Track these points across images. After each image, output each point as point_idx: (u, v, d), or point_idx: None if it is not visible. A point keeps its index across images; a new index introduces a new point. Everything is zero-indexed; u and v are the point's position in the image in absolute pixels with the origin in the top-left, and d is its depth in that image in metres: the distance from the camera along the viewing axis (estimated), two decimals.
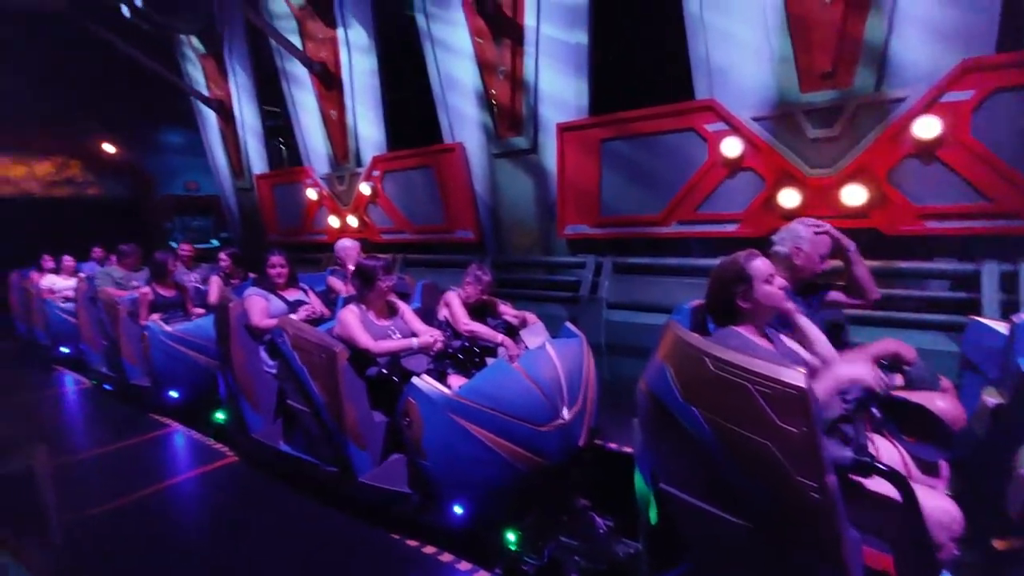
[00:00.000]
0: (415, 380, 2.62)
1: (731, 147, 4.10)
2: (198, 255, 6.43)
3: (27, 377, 6.61)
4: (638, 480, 1.98)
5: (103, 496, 3.38)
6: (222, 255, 5.39)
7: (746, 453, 1.41)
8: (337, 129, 7.15)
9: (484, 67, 5.36)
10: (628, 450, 3.35)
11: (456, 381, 2.97)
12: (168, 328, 4.65)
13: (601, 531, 2.82)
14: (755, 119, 4.01)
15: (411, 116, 6.67)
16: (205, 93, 9.10)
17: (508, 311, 3.69)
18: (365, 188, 6.77)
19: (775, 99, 3.94)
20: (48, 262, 7.61)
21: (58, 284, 7.19)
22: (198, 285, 5.45)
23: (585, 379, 2.95)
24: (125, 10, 7.59)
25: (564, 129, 4.90)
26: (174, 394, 4.66)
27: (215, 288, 5.11)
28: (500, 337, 3.35)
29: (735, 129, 4.08)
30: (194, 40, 8.82)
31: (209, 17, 8.15)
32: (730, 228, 4.26)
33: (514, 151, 5.38)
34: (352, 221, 7.17)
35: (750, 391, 1.37)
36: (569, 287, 5.05)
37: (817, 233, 2.33)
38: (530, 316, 3.65)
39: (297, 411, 3.26)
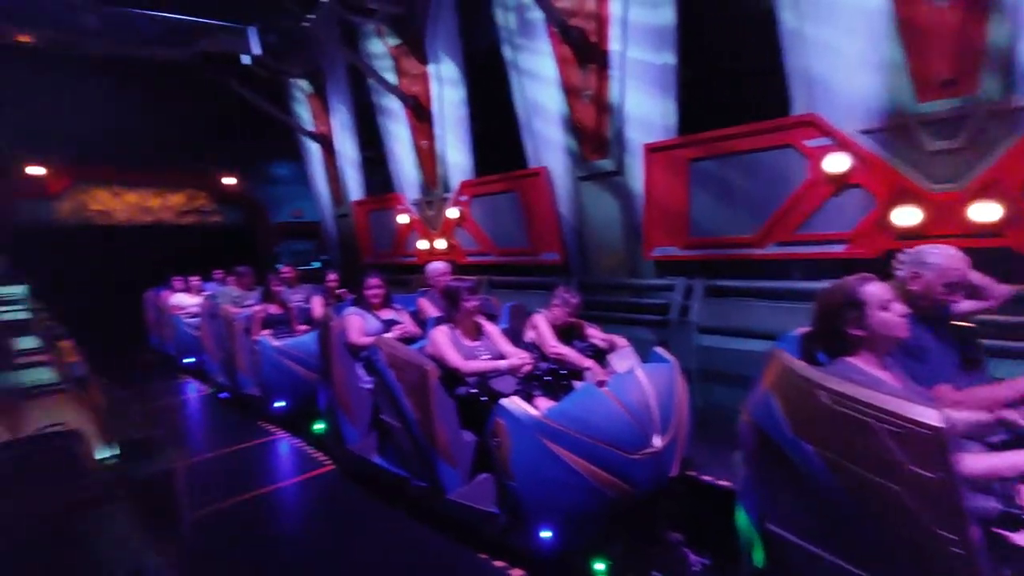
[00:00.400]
0: (504, 401, 2.65)
1: (836, 163, 3.84)
2: (300, 276, 6.96)
3: (158, 384, 7.40)
4: (741, 518, 1.87)
5: (216, 495, 3.69)
6: (330, 276, 5.81)
7: (870, 498, 1.29)
8: (427, 157, 7.52)
9: (569, 92, 5.43)
10: (724, 483, 3.17)
11: (543, 403, 2.97)
12: (276, 343, 5.04)
13: (695, 568, 2.67)
14: (863, 132, 3.74)
15: (497, 143, 6.88)
16: (310, 129, 9.94)
17: (596, 334, 3.65)
18: (453, 212, 7.03)
19: (886, 110, 3.65)
20: (178, 282, 8.53)
21: (185, 301, 8.03)
22: (301, 304, 5.87)
23: (677, 406, 2.84)
24: (246, 59, 8.52)
25: (651, 150, 4.83)
26: (280, 404, 5.02)
27: (318, 306, 5.49)
28: (587, 361, 3.32)
29: (840, 144, 3.83)
30: (302, 82, 9.69)
31: (316, 61, 8.93)
32: (836, 249, 3.97)
33: (599, 173, 5.37)
34: (440, 244, 7.45)
35: (875, 429, 1.26)
36: (657, 310, 4.91)
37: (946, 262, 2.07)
38: (619, 340, 3.58)
39: (390, 426, 3.40)
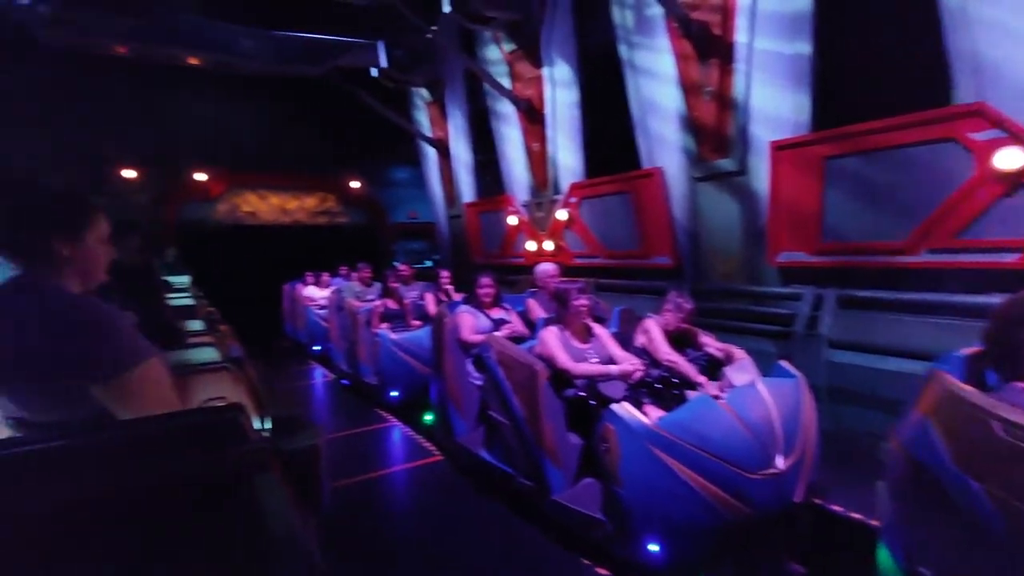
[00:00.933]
0: (615, 407, 2.60)
1: (1010, 159, 3.31)
2: (414, 274, 7.36)
3: (291, 368, 8.21)
4: (883, 557, 1.66)
5: (337, 473, 4.00)
6: (443, 274, 6.10)
7: None
8: (538, 160, 7.60)
9: (688, 89, 5.21)
10: (857, 516, 2.85)
11: (653, 412, 2.87)
12: (393, 336, 5.36)
13: None
14: None
15: (609, 144, 6.78)
16: (428, 134, 10.48)
17: (711, 343, 3.45)
18: (562, 214, 7.04)
19: None
20: (310, 277, 9.41)
21: (315, 294, 8.83)
22: (416, 300, 6.20)
23: (804, 426, 2.60)
24: (373, 71, 9.18)
25: (779, 148, 4.49)
26: (395, 393, 5.33)
27: (431, 303, 5.76)
28: (700, 376, 3.15)
29: (1015, 136, 3.29)
30: (423, 91, 10.24)
31: (436, 70, 9.40)
32: (1008, 258, 3.42)
33: (719, 174, 5.09)
34: (548, 245, 7.50)
35: None
36: (780, 320, 4.55)
37: None
38: (737, 351, 3.37)
39: (498, 422, 3.48)
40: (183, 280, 6.50)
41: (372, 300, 6.30)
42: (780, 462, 2.41)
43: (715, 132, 5.02)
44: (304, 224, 12.61)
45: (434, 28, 7.78)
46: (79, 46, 7.13)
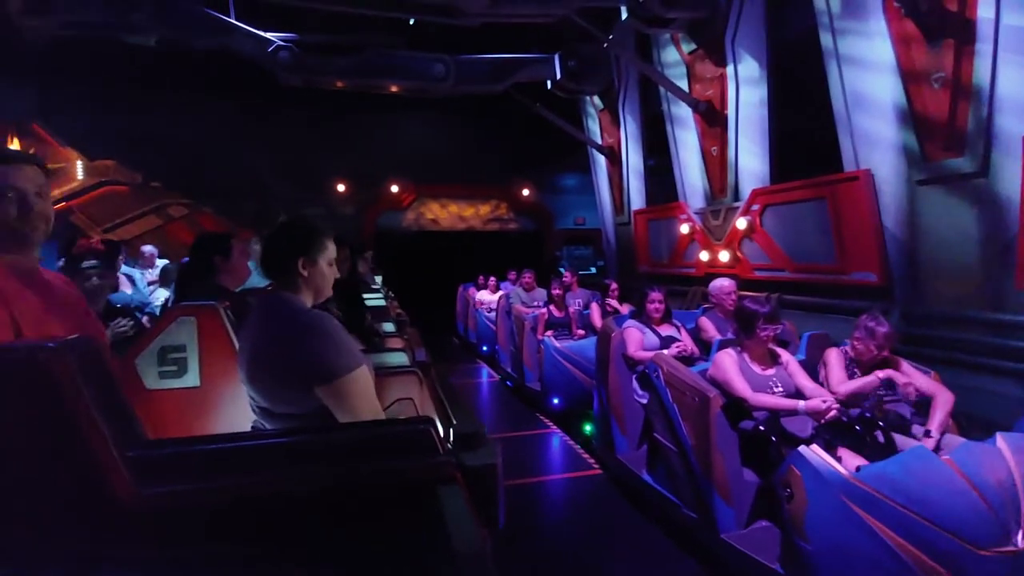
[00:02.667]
0: (803, 449, 2.30)
1: None
2: (579, 281, 7.39)
3: (460, 366, 8.83)
4: None
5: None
6: (612, 285, 6.06)
7: None
8: (716, 164, 7.12)
9: (910, 78, 4.42)
10: None
11: (850, 459, 2.47)
12: (558, 344, 5.45)
13: None
14: None
15: (802, 145, 6.08)
16: (599, 142, 10.47)
17: (915, 375, 2.88)
18: (741, 222, 6.50)
19: None
20: (482, 280, 10.03)
21: (486, 298, 9.38)
22: (580, 308, 6.23)
23: None
24: (548, 83, 9.47)
25: None
26: (556, 401, 5.42)
27: (596, 315, 5.73)
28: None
29: None
30: (595, 99, 10.27)
31: (609, 78, 9.36)
32: None
33: (950, 175, 4.23)
34: (723, 256, 6.98)
35: None
36: None
37: None
38: (942, 391, 2.77)
39: (663, 445, 3.32)
40: (376, 280, 7.38)
41: (538, 306, 6.48)
42: (1020, 540, 1.93)
43: (947, 127, 4.18)
44: (477, 230, 13.52)
45: (610, 37, 7.75)
46: (308, 84, 8.55)
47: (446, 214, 13.52)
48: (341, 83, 8.71)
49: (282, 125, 11.73)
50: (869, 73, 4.76)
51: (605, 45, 7.92)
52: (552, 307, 5.96)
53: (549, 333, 5.65)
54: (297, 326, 1.46)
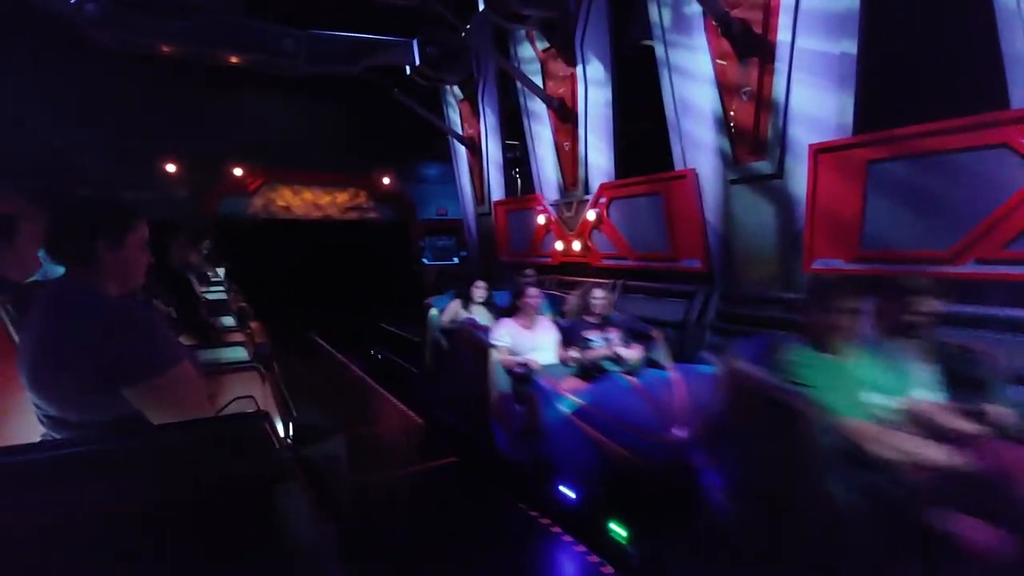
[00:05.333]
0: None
1: None
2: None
3: (323, 361, 8.30)
4: None
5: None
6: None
7: None
8: (569, 159, 7.53)
9: (725, 90, 5.08)
10: None
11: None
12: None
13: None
14: None
15: (641, 145, 6.67)
16: (460, 132, 10.50)
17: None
18: (591, 214, 6.97)
19: None
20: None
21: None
22: None
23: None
24: (407, 69, 9.25)
25: (819, 151, 4.34)
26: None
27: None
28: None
29: None
30: (456, 89, 10.26)
31: (469, 68, 9.40)
32: None
33: (755, 176, 4.95)
34: (576, 246, 7.44)
35: None
36: None
37: None
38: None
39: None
40: (218, 272, 6.66)
41: None
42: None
43: (752, 134, 4.88)
44: (335, 219, 12.81)
45: (468, 26, 7.77)
46: (125, 46, 7.37)
47: (300, 201, 12.59)
48: (168, 48, 7.65)
49: (97, 94, 9.93)
50: (693, 83, 5.37)
51: (463, 35, 7.94)
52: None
53: None
54: (99, 318, 1.24)
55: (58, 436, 1.23)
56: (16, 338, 1.51)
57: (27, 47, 8.74)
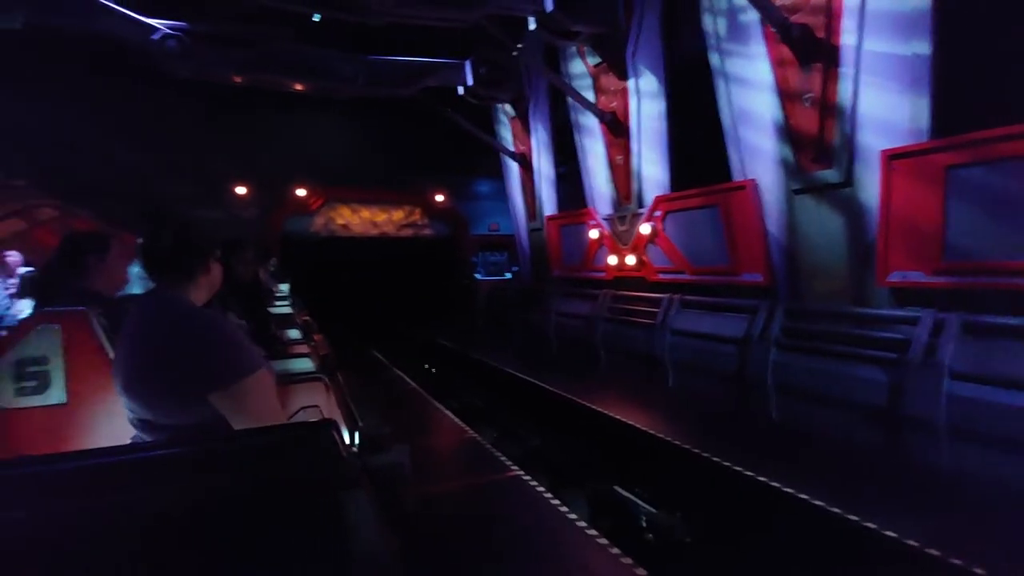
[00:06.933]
0: None
1: None
2: None
3: (380, 375, 8.50)
4: None
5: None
6: None
7: None
8: (621, 173, 7.47)
9: (786, 97, 4.91)
10: None
11: None
12: None
13: None
14: None
15: (697, 156, 6.53)
16: (511, 149, 10.64)
17: None
18: (645, 228, 6.86)
19: None
20: None
21: None
22: None
23: None
24: (460, 89, 9.48)
25: (892, 157, 4.10)
26: None
27: None
28: None
29: None
30: (507, 107, 10.43)
31: (520, 86, 9.54)
32: None
33: (820, 186, 4.73)
34: (630, 260, 7.32)
35: None
36: (891, 346, 4.12)
37: None
38: None
39: None
40: (282, 288, 6.98)
41: None
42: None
43: (817, 141, 4.68)
44: (391, 236, 13.22)
45: (519, 46, 7.91)
46: (198, 76, 7.93)
47: (358, 219, 13.08)
48: (239, 78, 8.17)
49: (172, 120, 10.74)
50: (752, 91, 5.22)
51: (515, 54, 8.08)
52: None
53: None
54: (192, 327, 1.34)
55: (148, 438, 1.32)
56: (109, 349, 1.62)
57: (105, 78, 9.60)
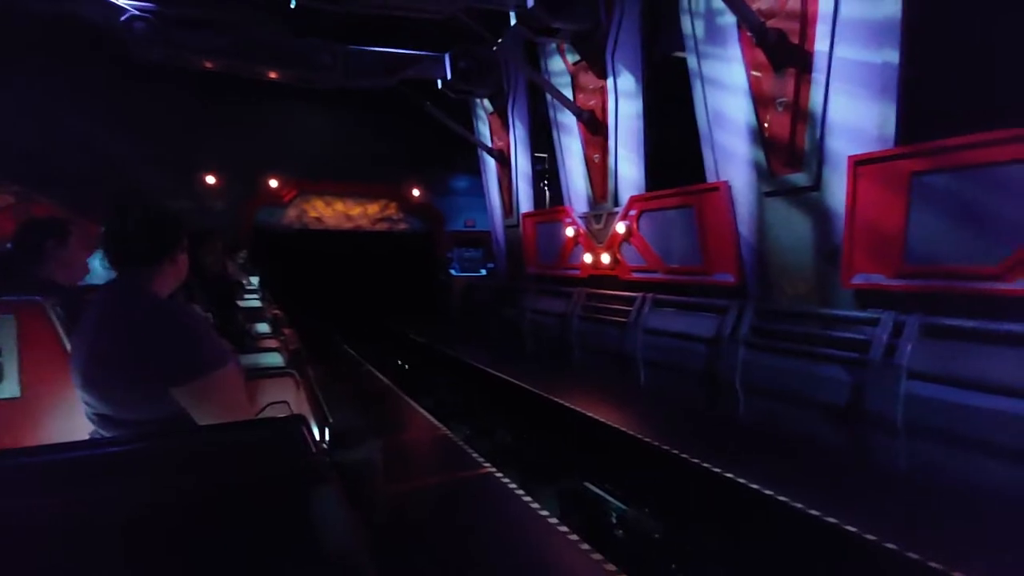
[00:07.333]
0: None
1: None
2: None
3: (350, 369, 8.40)
4: None
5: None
6: None
7: None
8: (598, 171, 7.52)
9: (759, 101, 5.00)
10: None
11: None
12: None
13: None
14: None
15: (672, 157, 6.62)
16: (489, 144, 10.60)
17: None
18: (620, 227, 6.92)
19: None
20: None
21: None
22: None
23: None
24: (439, 83, 9.41)
25: (859, 162, 4.22)
26: None
27: None
28: None
29: None
30: (486, 102, 10.38)
31: (499, 81, 9.51)
32: None
33: (790, 189, 4.85)
34: (605, 258, 7.38)
35: None
36: (854, 346, 4.25)
37: None
38: None
39: None
40: (253, 281, 6.83)
41: None
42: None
43: (788, 146, 4.79)
44: (365, 230, 13.05)
45: (499, 40, 7.88)
46: (169, 61, 7.68)
47: (332, 212, 12.87)
48: (211, 64, 7.94)
49: (143, 108, 10.37)
50: (727, 94, 5.31)
51: (495, 49, 8.04)
52: None
53: None
54: (157, 318, 1.29)
55: (107, 434, 1.27)
56: (66, 340, 1.56)
57: (67, 59, 9.21)
